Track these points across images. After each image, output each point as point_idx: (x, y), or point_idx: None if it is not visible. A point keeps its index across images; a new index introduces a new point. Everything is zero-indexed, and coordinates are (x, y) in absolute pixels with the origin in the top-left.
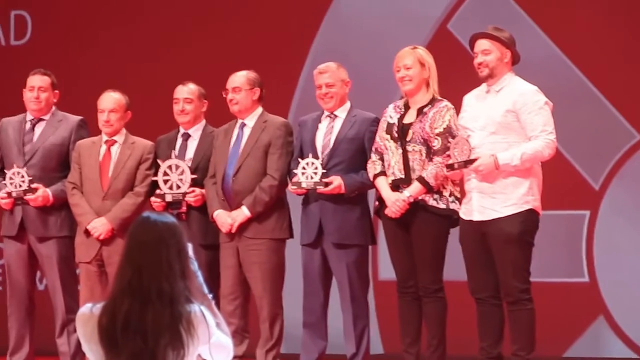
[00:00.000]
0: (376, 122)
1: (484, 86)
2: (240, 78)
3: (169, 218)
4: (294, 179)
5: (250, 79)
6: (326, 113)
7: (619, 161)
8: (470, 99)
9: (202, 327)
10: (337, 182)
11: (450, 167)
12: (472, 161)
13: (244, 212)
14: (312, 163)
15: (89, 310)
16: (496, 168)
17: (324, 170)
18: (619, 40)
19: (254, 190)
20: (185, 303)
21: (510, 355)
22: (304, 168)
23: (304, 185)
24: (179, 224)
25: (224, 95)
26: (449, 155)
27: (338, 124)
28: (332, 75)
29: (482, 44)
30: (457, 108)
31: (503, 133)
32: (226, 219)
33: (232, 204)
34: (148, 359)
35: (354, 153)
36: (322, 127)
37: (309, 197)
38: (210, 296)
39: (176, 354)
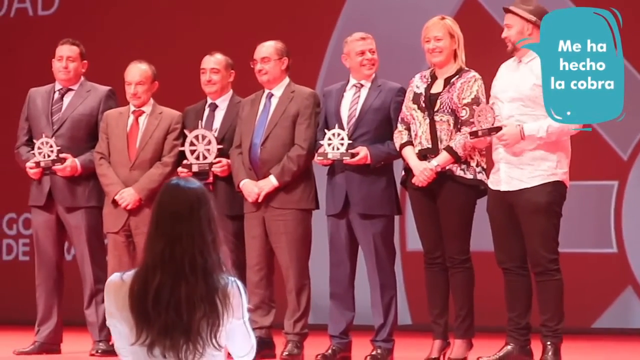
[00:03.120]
0: (402, 92)
1: (515, 58)
2: (268, 48)
3: (197, 184)
4: (320, 150)
5: (279, 49)
6: (352, 82)
7: None
8: (503, 69)
9: (237, 300)
10: (363, 152)
11: (474, 134)
12: (496, 129)
13: (271, 182)
14: (338, 134)
15: (119, 279)
16: (522, 138)
17: (350, 141)
18: None
19: (281, 159)
20: (219, 274)
21: (539, 326)
22: (330, 139)
23: (330, 156)
24: (206, 190)
25: (252, 66)
26: (473, 123)
27: (364, 94)
28: (373, 42)
29: (506, 18)
30: (485, 79)
31: (531, 106)
32: (253, 188)
33: (259, 174)
34: (182, 331)
35: (379, 123)
36: (348, 96)
37: (334, 167)
38: None
39: (211, 325)
